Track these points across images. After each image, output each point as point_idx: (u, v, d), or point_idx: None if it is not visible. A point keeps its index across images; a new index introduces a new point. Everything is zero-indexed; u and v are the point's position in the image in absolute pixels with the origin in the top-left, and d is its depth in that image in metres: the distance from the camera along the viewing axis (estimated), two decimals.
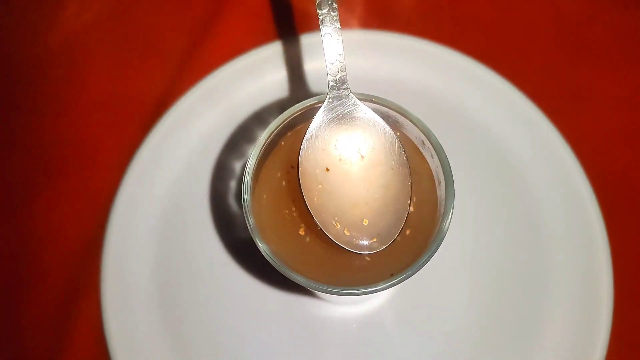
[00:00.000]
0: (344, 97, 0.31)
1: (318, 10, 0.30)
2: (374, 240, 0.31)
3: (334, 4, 0.30)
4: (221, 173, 0.43)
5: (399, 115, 0.33)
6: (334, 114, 0.31)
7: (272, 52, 0.45)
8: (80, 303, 0.41)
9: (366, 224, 0.31)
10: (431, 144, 0.32)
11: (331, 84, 0.31)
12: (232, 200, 0.43)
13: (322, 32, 0.30)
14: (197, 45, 0.47)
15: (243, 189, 0.31)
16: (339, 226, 0.31)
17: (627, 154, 0.44)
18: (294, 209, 0.33)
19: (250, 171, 0.31)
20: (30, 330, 0.41)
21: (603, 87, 0.46)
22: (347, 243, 0.31)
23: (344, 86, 0.31)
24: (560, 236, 0.41)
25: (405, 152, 0.32)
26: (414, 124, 0.32)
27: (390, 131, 0.32)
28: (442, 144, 0.32)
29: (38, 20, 0.49)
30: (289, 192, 0.33)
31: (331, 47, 0.31)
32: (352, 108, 0.31)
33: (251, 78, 0.45)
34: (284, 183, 0.33)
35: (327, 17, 0.30)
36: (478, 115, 0.44)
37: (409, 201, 0.31)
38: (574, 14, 0.48)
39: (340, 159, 0.31)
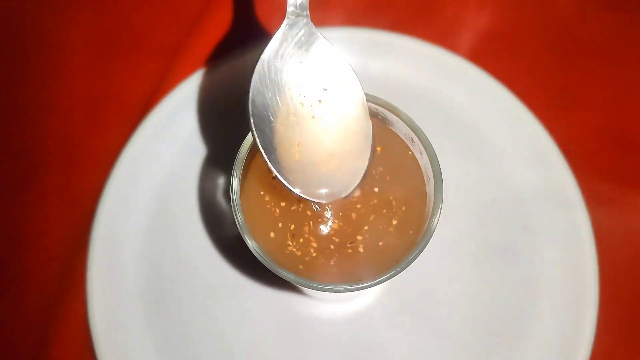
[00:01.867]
0: (303, 26, 0.27)
1: None
2: (332, 188, 0.30)
3: None
4: (209, 170, 0.43)
5: (389, 113, 0.33)
6: (289, 46, 0.28)
7: (261, 50, 0.45)
8: (66, 303, 0.41)
9: (323, 172, 0.29)
10: (420, 141, 0.32)
11: (290, 8, 0.27)
12: (220, 198, 0.43)
13: None
14: (186, 42, 0.47)
15: (231, 186, 0.31)
16: (295, 175, 0.29)
17: (614, 154, 0.45)
18: (283, 204, 0.33)
19: (239, 168, 0.31)
20: (15, 331, 0.41)
21: (591, 87, 0.46)
22: (304, 190, 0.29)
23: (304, 13, 0.27)
24: (547, 234, 0.41)
25: (364, 92, 0.29)
26: (403, 121, 0.32)
27: (350, 68, 0.28)
28: (431, 142, 0.32)
29: (21, 15, 0.48)
30: (278, 188, 0.33)
31: None
32: (309, 38, 0.28)
33: (240, 75, 0.45)
34: (273, 179, 0.33)
35: None
36: (467, 114, 0.44)
37: (370, 144, 0.29)
38: (563, 15, 0.48)
39: (298, 103, 0.28)
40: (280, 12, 0.47)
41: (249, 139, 0.32)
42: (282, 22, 0.44)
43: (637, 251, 0.42)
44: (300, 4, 0.27)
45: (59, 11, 0.48)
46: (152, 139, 0.43)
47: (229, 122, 0.44)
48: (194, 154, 0.43)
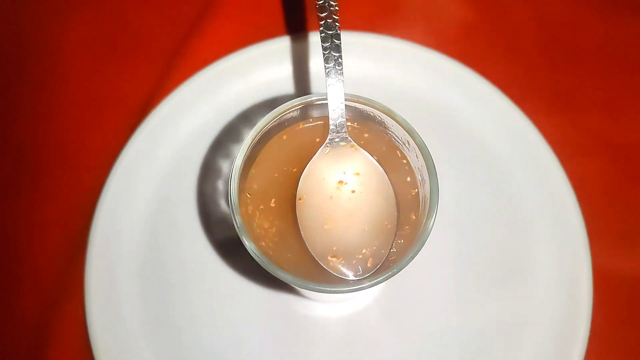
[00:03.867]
0: (342, 139, 0.34)
1: (325, 64, 0.33)
2: (368, 264, 0.33)
3: (340, 60, 0.33)
4: (208, 172, 0.43)
5: (385, 116, 0.33)
6: (333, 152, 0.34)
7: (259, 52, 0.46)
8: (64, 304, 0.41)
9: (360, 253, 0.33)
10: (416, 143, 0.32)
11: (332, 127, 0.34)
12: (219, 200, 0.43)
13: (327, 83, 0.33)
14: (184, 45, 0.47)
15: (230, 188, 0.31)
16: (335, 258, 0.33)
17: (607, 156, 0.45)
18: (280, 206, 0.33)
19: (237, 170, 0.32)
20: (14, 331, 0.41)
21: (585, 91, 0.47)
22: (341, 271, 0.33)
23: (343, 130, 0.34)
24: (542, 236, 0.42)
25: (392, 187, 0.34)
26: (399, 124, 0.33)
27: (380, 168, 0.34)
28: (426, 144, 0.32)
29: (21, 18, 0.49)
30: (276, 190, 0.33)
31: (334, 96, 0.33)
32: (348, 145, 0.34)
33: (238, 78, 0.45)
34: (271, 181, 0.34)
35: (333, 71, 0.33)
36: (462, 117, 0.45)
37: (395, 228, 0.33)
38: (557, 20, 0.49)
39: (335, 191, 0.34)
40: (278, 16, 0.48)
41: (247, 142, 0.32)
42: (280, 26, 0.45)
43: (631, 252, 0.43)
44: (339, 124, 0.34)
45: (58, 14, 0.49)
46: (150, 141, 0.43)
47: (227, 124, 0.44)
48: (192, 156, 0.44)
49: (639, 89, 0.47)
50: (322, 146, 0.34)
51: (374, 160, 0.34)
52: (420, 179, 0.33)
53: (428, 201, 0.32)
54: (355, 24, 0.47)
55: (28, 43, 0.48)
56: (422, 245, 0.31)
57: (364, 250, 0.33)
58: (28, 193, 0.44)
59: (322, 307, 0.41)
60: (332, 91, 0.33)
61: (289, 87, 0.45)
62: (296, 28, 0.47)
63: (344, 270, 0.32)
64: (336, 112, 0.34)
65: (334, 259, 0.32)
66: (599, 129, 0.46)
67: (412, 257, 0.30)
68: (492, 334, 0.40)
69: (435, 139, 0.35)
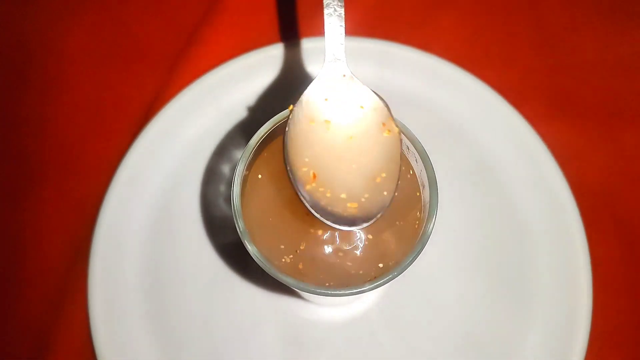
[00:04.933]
0: (339, 68, 0.32)
1: None
2: (354, 207, 0.30)
3: None
4: (211, 177, 0.44)
5: None
6: (329, 83, 0.32)
7: (261, 58, 0.46)
8: (68, 309, 0.41)
9: (348, 193, 0.31)
10: (415, 149, 0.32)
11: (328, 56, 0.32)
12: (222, 204, 0.43)
13: (325, 12, 0.31)
14: (186, 50, 0.47)
15: (232, 192, 0.32)
16: (322, 189, 0.31)
17: (605, 159, 0.45)
18: (284, 211, 0.33)
19: (240, 174, 0.32)
20: (17, 335, 0.41)
21: (584, 95, 0.47)
22: (326, 212, 0.30)
23: (342, 59, 0.32)
24: (541, 239, 0.42)
25: (399, 128, 0.32)
26: (398, 129, 0.33)
27: (385, 108, 0.32)
28: (426, 149, 0.32)
29: (22, 23, 0.49)
30: (279, 194, 0.34)
31: (333, 20, 0.31)
32: (347, 77, 0.32)
33: (240, 83, 0.46)
34: (274, 186, 0.34)
35: None
36: (461, 121, 0.45)
37: (393, 188, 0.31)
38: (555, 24, 0.49)
39: (331, 125, 0.32)
40: (279, 22, 0.48)
41: (250, 146, 0.32)
42: (281, 33, 0.45)
43: (631, 255, 0.43)
44: (336, 51, 0.32)
45: (60, 20, 0.49)
46: (153, 147, 0.44)
47: (230, 129, 0.45)
48: (195, 161, 0.44)
49: (636, 93, 0.47)
50: (316, 78, 0.31)
51: (379, 99, 0.31)
52: (420, 182, 0.34)
53: (428, 204, 0.32)
54: (356, 30, 0.47)
55: (30, 49, 0.48)
56: (422, 248, 0.31)
57: (343, 191, 0.30)
58: (31, 198, 0.44)
59: (323, 310, 0.41)
60: (329, 13, 0.30)
61: (290, 92, 0.46)
62: (297, 34, 0.47)
63: (321, 202, 0.30)
64: (333, 38, 0.30)
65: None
66: (597, 133, 0.46)
67: (412, 261, 0.31)
68: (493, 339, 0.40)
69: (434, 143, 0.35)
